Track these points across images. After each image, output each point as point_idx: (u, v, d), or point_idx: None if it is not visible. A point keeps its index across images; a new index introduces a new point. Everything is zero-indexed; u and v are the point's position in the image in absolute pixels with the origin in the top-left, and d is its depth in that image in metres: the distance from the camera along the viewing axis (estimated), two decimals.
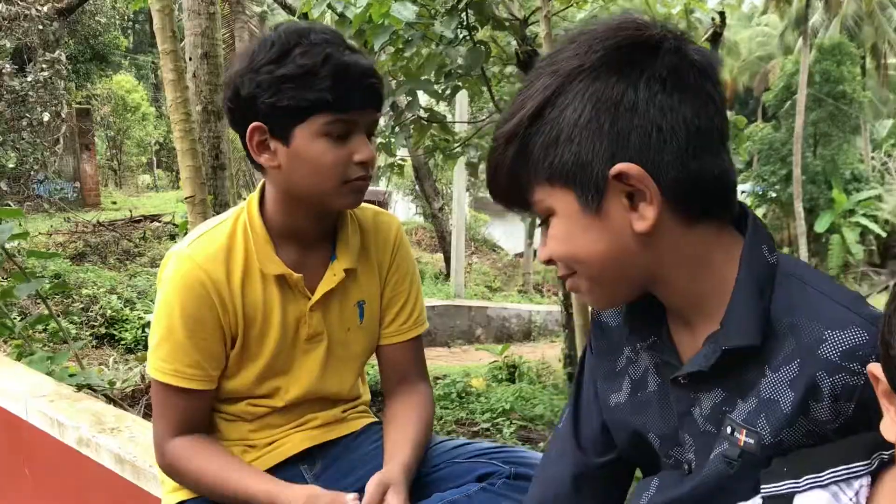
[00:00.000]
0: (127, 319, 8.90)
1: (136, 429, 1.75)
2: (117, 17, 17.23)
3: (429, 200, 13.40)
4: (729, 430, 0.89)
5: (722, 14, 5.61)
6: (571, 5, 6.05)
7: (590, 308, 1.16)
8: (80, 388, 2.31)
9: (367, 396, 1.57)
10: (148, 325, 8.93)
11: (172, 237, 12.55)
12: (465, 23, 5.70)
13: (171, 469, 1.35)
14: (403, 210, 23.97)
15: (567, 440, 1.13)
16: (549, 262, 0.96)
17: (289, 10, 9.90)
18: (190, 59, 4.47)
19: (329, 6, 5.54)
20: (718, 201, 0.90)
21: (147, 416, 3.87)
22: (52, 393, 2.01)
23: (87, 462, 1.73)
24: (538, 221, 0.96)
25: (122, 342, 8.59)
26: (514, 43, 6.66)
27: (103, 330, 8.68)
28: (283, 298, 1.37)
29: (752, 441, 0.87)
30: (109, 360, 6.24)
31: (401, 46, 5.56)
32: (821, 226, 23.95)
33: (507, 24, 6.30)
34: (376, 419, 1.54)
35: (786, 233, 26.98)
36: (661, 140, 0.85)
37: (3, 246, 2.80)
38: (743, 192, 24.38)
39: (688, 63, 0.87)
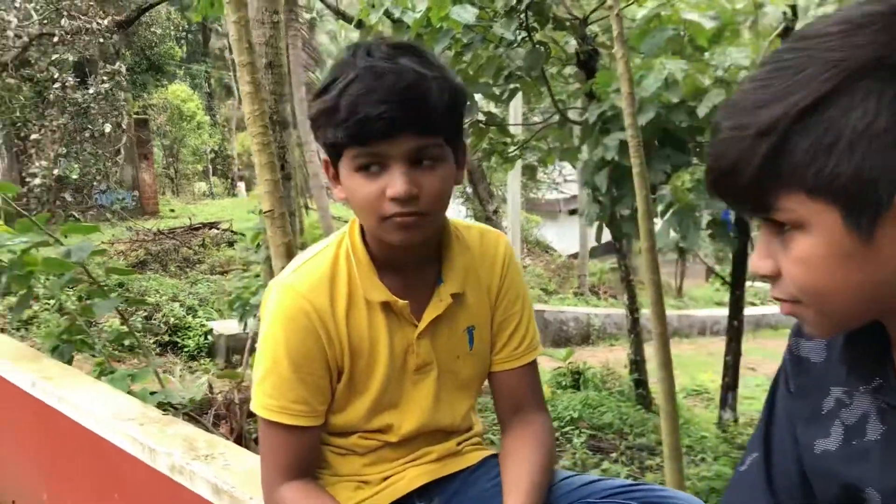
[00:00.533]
0: (189, 327, 9.00)
1: (230, 456, 1.69)
2: (172, 27, 17.56)
3: (483, 203, 13.28)
4: None
5: (793, 7, 5.41)
6: (633, 2, 5.88)
7: (789, 340, 1.01)
8: (160, 406, 2.28)
9: (480, 427, 1.49)
10: (210, 332, 9.02)
11: (231, 244, 12.71)
12: (524, 24, 5.62)
13: None
14: (454, 212, 23.99)
15: (756, 490, 1.00)
16: (765, 277, 0.82)
17: (342, 16, 9.89)
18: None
19: (386, 13, 5.51)
20: None
21: (216, 425, 3.87)
22: (140, 416, 1.97)
23: (182, 490, 1.68)
24: (755, 223, 0.81)
25: (186, 349, 8.69)
26: (573, 42, 6.56)
27: (167, 338, 8.79)
28: (390, 327, 1.29)
29: None
30: (176, 369, 6.30)
31: (460, 50, 5.48)
32: None
33: (567, 24, 6.20)
34: (493, 452, 1.46)
35: None
36: None
37: (82, 264, 2.80)
38: None
39: None
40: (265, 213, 2.53)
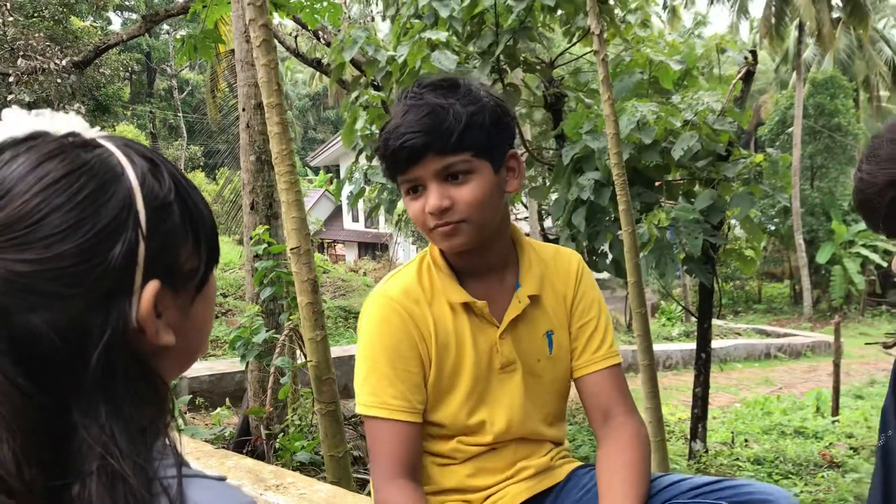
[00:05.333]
0: None
1: (300, 485, 1.72)
2: (121, 68, 17.35)
3: None
4: None
5: (753, 52, 5.70)
6: (590, 52, 6.13)
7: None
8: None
9: (566, 439, 1.57)
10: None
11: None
12: (495, 67, 5.79)
13: None
14: (405, 252, 23.99)
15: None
16: None
17: (300, 57, 9.97)
18: (244, 109, 4.50)
19: (361, 49, 5.61)
20: None
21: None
22: (194, 450, 1.98)
23: None
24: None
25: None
26: (540, 86, 6.76)
27: None
28: (473, 328, 1.43)
29: None
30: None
31: None
32: (822, 257, 24.06)
33: (536, 67, 6.40)
34: (580, 463, 1.53)
35: (787, 265, 27.11)
36: None
37: None
38: None
39: None
40: (291, 250, 2.58)
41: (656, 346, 15.85)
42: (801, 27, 24.48)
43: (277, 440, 3.23)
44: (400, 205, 6.79)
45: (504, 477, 1.45)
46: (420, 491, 1.34)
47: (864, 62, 26.10)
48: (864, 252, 23.84)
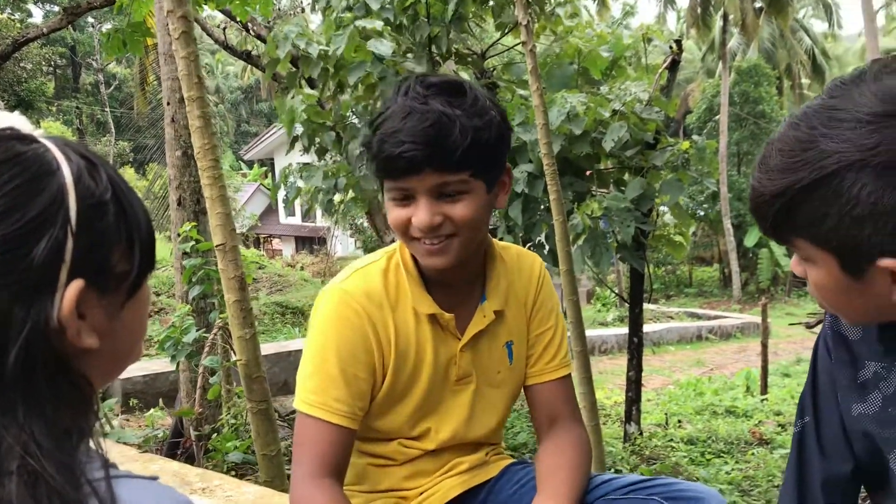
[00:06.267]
0: None
1: (227, 487, 1.69)
2: (43, 62, 16.81)
3: (380, 234, 13.34)
4: None
5: (679, 42, 5.81)
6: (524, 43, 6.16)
7: (827, 317, 1.20)
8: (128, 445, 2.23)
9: (501, 438, 1.57)
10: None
11: None
12: (430, 58, 5.78)
13: None
14: (343, 246, 23.85)
15: (811, 450, 1.18)
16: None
17: (230, 50, 9.79)
18: (168, 103, 4.39)
19: (294, 45, 5.54)
20: None
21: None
22: (118, 455, 1.93)
23: None
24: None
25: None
26: (472, 77, 6.78)
27: None
28: (435, 338, 1.38)
29: None
30: None
31: (373, 83, 5.58)
32: (749, 241, 24.76)
33: (468, 59, 6.41)
34: (513, 460, 1.54)
35: (716, 249, 27.84)
36: None
37: None
38: None
39: None
40: (217, 246, 2.53)
41: (592, 332, 16.13)
42: (725, 17, 25.12)
43: (209, 441, 3.18)
44: (337, 198, 6.73)
45: (439, 474, 1.44)
46: (343, 494, 1.30)
47: (786, 51, 26.95)
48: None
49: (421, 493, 1.42)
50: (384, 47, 4.65)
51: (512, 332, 1.46)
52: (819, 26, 31.82)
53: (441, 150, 1.22)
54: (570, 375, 1.52)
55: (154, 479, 0.73)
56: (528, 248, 5.56)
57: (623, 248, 5.04)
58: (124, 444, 2.41)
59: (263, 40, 7.20)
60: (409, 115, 1.22)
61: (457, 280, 1.40)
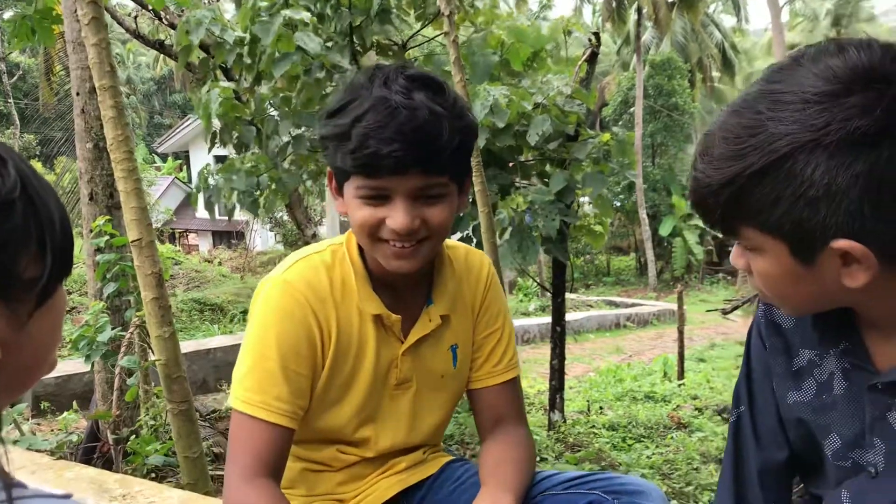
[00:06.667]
0: None
1: (149, 493, 1.62)
2: None
3: (301, 227, 13.13)
4: None
5: (597, 34, 5.90)
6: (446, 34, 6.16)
7: (759, 305, 1.21)
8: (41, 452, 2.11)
9: (441, 437, 1.53)
10: None
11: None
12: (352, 49, 5.70)
13: None
14: (262, 240, 23.42)
15: (746, 439, 1.19)
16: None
17: (142, 39, 9.46)
18: (77, 93, 4.20)
19: (208, 31, 5.38)
20: None
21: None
22: (30, 463, 1.83)
23: None
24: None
25: None
26: None
27: None
28: (377, 339, 1.33)
29: None
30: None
31: (296, 75, 5.46)
32: (664, 230, 25.46)
33: (389, 51, 6.36)
34: (453, 457, 1.51)
35: (632, 238, 28.55)
36: (890, 214, 0.86)
37: None
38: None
39: None
40: (132, 242, 2.43)
41: (515, 322, 16.31)
42: (640, 11, 25.70)
43: (128, 444, 3.06)
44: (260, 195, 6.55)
45: (376, 475, 1.41)
46: (282, 494, 1.25)
47: (697, 45, 27.77)
48: (702, 224, 25.41)
49: (358, 495, 1.39)
50: (312, 42, 4.55)
51: (457, 335, 1.41)
52: (728, 21, 32.90)
53: (430, 152, 1.15)
54: (517, 378, 1.47)
55: (67, 496, 0.67)
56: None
57: (548, 241, 5.09)
58: (36, 450, 2.30)
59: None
60: (397, 110, 1.14)
61: (404, 281, 1.34)
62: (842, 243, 0.87)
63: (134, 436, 3.15)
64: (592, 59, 5.86)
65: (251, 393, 1.24)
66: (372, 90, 1.17)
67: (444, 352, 1.40)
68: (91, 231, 3.95)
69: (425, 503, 1.44)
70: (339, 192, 1.26)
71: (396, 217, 1.18)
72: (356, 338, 1.31)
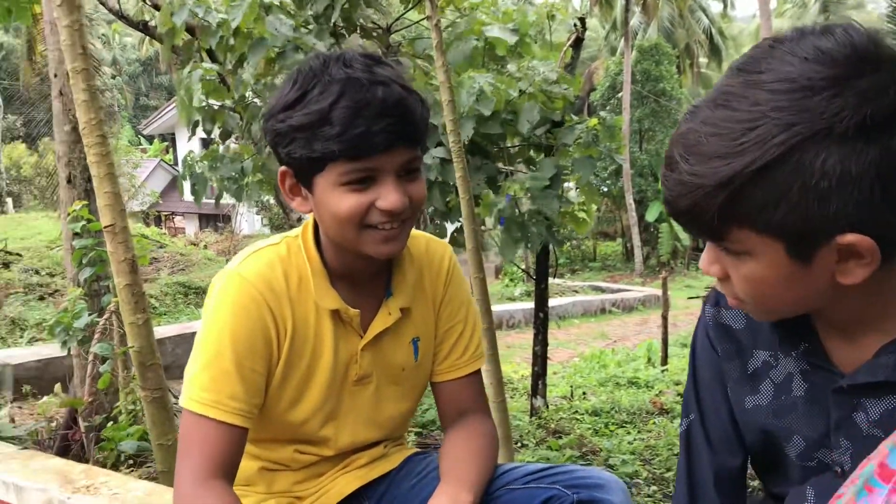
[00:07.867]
0: None
1: (114, 484, 1.60)
2: None
3: (286, 211, 13.10)
4: None
5: (582, 20, 5.87)
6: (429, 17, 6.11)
7: (705, 309, 1.17)
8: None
9: (405, 430, 1.52)
10: None
11: (6, 265, 11.58)
12: (332, 32, 5.65)
13: None
14: (249, 223, 23.32)
15: (699, 447, 1.16)
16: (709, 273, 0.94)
17: (125, 19, 9.34)
18: (55, 75, 4.15)
19: (191, 12, 5.31)
20: None
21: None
22: None
23: None
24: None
25: None
26: (378, 52, 6.67)
27: None
28: (336, 335, 1.29)
29: None
30: None
31: (273, 58, 5.40)
32: (650, 216, 25.49)
33: (373, 33, 6.30)
34: (415, 450, 1.50)
35: (619, 224, 28.59)
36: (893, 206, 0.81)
37: None
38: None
39: None
40: (106, 228, 2.40)
41: (500, 307, 16.34)
42: None
43: (102, 431, 3.03)
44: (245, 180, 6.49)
45: (335, 471, 1.39)
46: (235, 495, 1.21)
47: (685, 30, 27.77)
48: (685, 232, 25.46)
49: (317, 491, 1.37)
50: (284, 27, 4.50)
51: (419, 328, 1.38)
52: (715, 7, 32.92)
53: (412, 124, 1.15)
54: (480, 370, 1.46)
55: None
56: (454, 233, 5.55)
57: (549, 227, 5.09)
58: (1, 439, 2.27)
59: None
60: (373, 86, 1.11)
61: (362, 273, 1.31)
62: (849, 237, 0.82)
63: (110, 422, 3.13)
64: (577, 44, 5.83)
65: (205, 392, 1.20)
66: (331, 73, 1.13)
67: (406, 345, 1.37)
68: (69, 215, 3.91)
69: (387, 498, 1.42)
70: (303, 188, 1.22)
71: (389, 197, 1.16)
72: (312, 334, 1.28)
